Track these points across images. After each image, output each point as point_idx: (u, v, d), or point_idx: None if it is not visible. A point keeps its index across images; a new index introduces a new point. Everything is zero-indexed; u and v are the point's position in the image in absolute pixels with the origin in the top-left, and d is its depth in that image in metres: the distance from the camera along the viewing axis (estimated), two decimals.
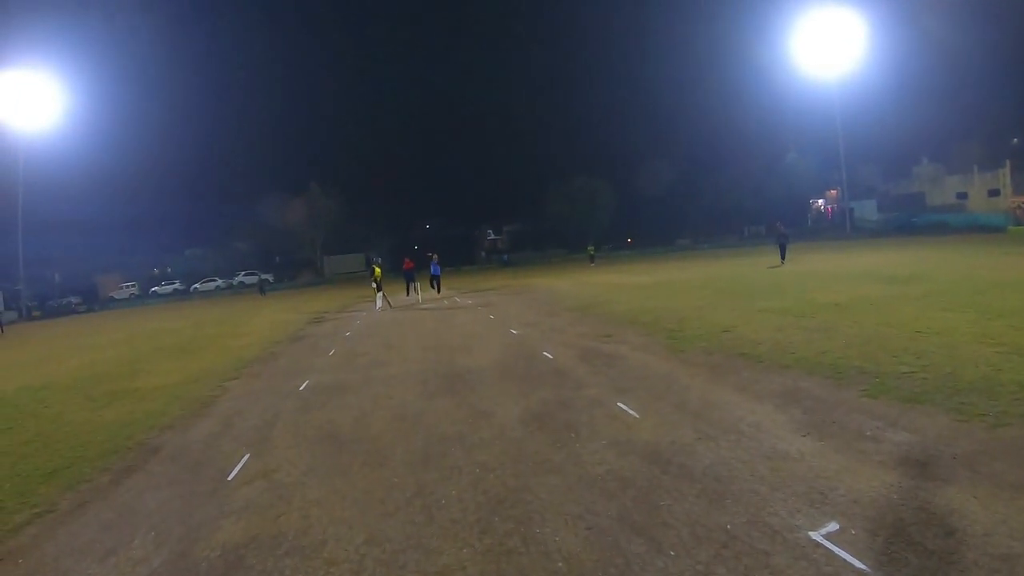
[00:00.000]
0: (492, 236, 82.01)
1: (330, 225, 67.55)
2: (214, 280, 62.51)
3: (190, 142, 78.00)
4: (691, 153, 69.57)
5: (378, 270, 22.62)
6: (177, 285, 62.09)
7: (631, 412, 6.04)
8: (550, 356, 9.41)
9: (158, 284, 63.14)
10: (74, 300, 52.63)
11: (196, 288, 60.87)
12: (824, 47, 52.15)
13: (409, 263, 24.80)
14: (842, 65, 51.85)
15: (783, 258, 24.70)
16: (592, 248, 48.33)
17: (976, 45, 50.53)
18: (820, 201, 68.93)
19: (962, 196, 53.91)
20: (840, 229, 55.96)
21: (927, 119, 54.41)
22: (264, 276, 58.69)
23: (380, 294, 21.90)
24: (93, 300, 56.45)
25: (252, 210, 63.06)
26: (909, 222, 51.37)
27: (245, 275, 63.15)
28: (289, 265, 70.48)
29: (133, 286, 61.76)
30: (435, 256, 25.91)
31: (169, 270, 69.63)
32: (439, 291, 24.09)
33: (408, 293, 24.36)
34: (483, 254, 76.47)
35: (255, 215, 63.49)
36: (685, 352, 8.74)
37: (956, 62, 50.77)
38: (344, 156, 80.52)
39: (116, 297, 59.25)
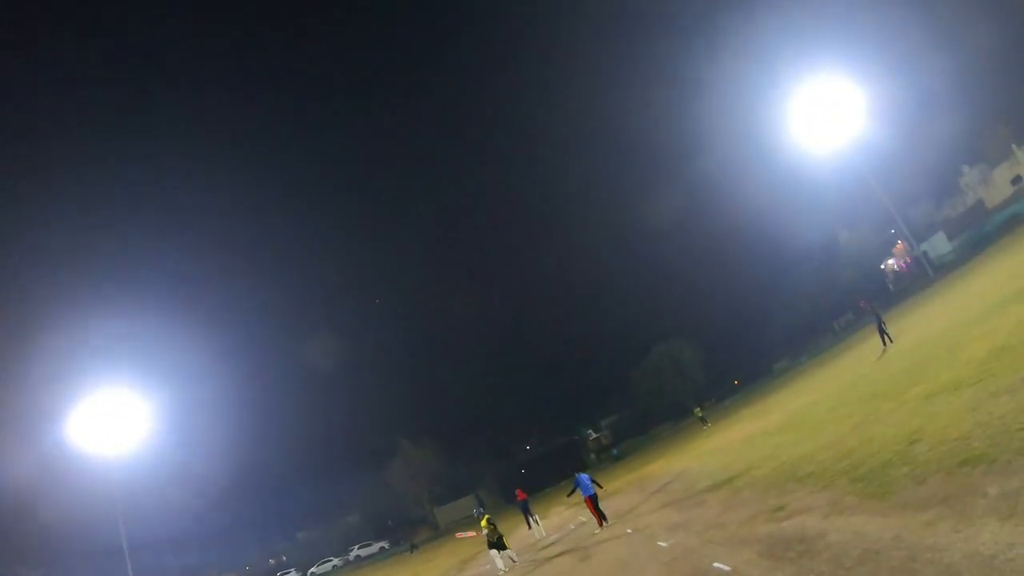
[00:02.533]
0: (594, 435, 78.48)
1: (431, 475, 66.05)
2: (330, 560, 60.27)
3: (279, 434, 79.30)
4: (752, 278, 70.25)
5: (484, 521, 16.41)
6: (293, 573, 60.01)
7: None
8: (726, 568, 6.99)
9: (274, 574, 61.44)
10: None
11: (313, 573, 58.58)
12: (821, 118, 46.19)
13: (522, 494, 22.45)
14: (849, 125, 45.84)
15: (888, 337, 21.73)
16: (699, 409, 45.10)
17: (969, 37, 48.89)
18: (891, 260, 64.09)
19: (1017, 181, 50.33)
20: (923, 277, 50.81)
21: (949, 128, 51.42)
22: (381, 543, 57.58)
23: (493, 552, 15.93)
24: None
25: (353, 481, 62.92)
26: (982, 234, 47.04)
27: (360, 548, 60.94)
28: (403, 525, 68.05)
29: None
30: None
31: (284, 558, 68.21)
32: (603, 520, 15.70)
33: (529, 526, 21.59)
34: (592, 456, 72.15)
35: (357, 485, 63.24)
36: (889, 494, 6.33)
37: (953, 63, 49.26)
38: (427, 404, 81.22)
39: None
